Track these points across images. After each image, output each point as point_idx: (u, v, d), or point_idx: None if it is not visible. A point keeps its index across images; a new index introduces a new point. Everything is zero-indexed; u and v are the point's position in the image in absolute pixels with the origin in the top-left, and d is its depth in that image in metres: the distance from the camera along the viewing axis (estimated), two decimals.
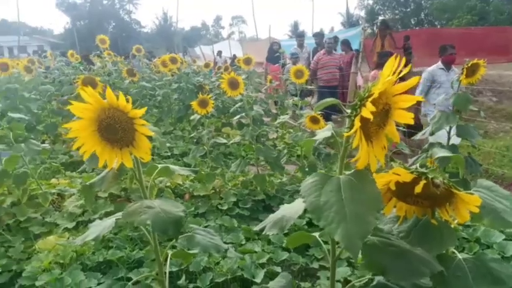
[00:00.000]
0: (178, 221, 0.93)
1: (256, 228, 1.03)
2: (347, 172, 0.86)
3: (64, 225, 2.68)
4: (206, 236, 1.08)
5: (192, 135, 4.12)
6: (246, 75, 5.51)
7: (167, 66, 5.54)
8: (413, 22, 41.73)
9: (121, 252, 2.35)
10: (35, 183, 3.07)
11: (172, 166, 1.10)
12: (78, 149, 3.18)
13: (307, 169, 3.31)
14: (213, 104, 3.19)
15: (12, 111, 4.36)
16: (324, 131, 0.87)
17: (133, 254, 2.35)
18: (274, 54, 7.21)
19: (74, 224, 2.70)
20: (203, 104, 3.17)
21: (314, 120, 3.09)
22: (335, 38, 8.14)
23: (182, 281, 2.05)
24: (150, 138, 0.96)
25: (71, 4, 56.37)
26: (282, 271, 2.23)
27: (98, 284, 2.04)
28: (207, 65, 8.07)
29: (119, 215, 1.11)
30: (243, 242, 2.53)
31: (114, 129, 0.94)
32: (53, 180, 3.47)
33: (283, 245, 2.50)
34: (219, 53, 16.52)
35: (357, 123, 0.73)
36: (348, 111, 0.79)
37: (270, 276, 2.20)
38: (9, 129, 2.86)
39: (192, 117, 3.40)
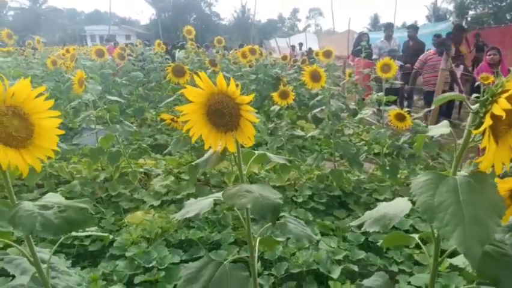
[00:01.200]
0: (276, 208, 0.94)
1: (353, 223, 1.01)
2: (462, 173, 0.81)
3: (150, 203, 2.87)
4: (298, 225, 1.09)
5: (269, 126, 4.16)
6: (324, 69, 5.41)
7: (246, 57, 5.64)
8: (508, 17, 37.71)
9: (201, 233, 2.46)
10: (126, 161, 3.32)
11: (268, 153, 1.11)
12: (162, 132, 3.36)
13: (388, 168, 3.17)
14: (294, 95, 3.19)
15: (105, 95, 4.76)
16: (441, 127, 0.82)
17: (212, 235, 2.45)
18: (362, 47, 6.87)
19: (159, 202, 2.89)
20: (284, 95, 3.18)
21: (400, 117, 2.95)
22: (448, 35, 7.55)
23: (258, 267, 2.09)
24: (254, 125, 0.99)
25: None
26: (359, 270, 2.18)
27: (181, 261, 2.16)
28: (284, 58, 8.07)
29: (216, 196, 1.16)
30: (318, 237, 2.51)
31: (221, 114, 0.97)
32: (141, 160, 3.74)
33: (360, 244, 2.44)
34: (300, 45, 16.44)
35: (488, 121, 0.68)
36: (474, 107, 0.73)
37: (347, 274, 2.16)
38: (107, 111, 3.12)
39: (271, 108, 3.43)
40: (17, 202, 0.79)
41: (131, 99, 6.02)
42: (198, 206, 1.11)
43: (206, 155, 1.07)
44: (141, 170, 3.44)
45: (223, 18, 69.90)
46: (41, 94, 0.83)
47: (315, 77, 3.08)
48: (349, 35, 12.57)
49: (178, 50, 8.98)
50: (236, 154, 1.06)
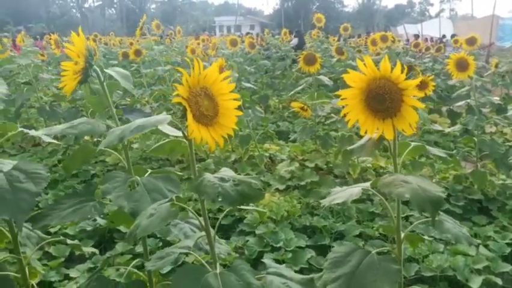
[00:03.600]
0: (438, 201, 0.88)
1: None
2: None
3: (275, 186, 2.97)
4: (455, 225, 1.00)
5: None
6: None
7: (376, 45, 5.37)
8: None
9: (324, 221, 2.46)
10: (254, 145, 3.49)
11: (427, 146, 1.04)
12: (284, 120, 3.42)
13: None
14: (434, 86, 2.92)
15: (236, 82, 5.07)
16: None
17: (336, 225, 2.43)
18: None
19: (284, 186, 2.97)
20: (422, 85, 2.95)
21: None
22: None
23: None
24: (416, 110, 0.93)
25: None
26: (503, 284, 1.93)
27: (306, 245, 2.20)
28: (416, 45, 7.48)
29: (363, 185, 1.13)
30: (453, 242, 2.30)
31: (382, 99, 0.94)
32: (266, 145, 3.89)
33: (504, 255, 2.16)
34: (416, 36, 15.13)
35: None
36: None
37: (488, 286, 1.94)
38: (242, 95, 3.32)
39: None
40: (198, 173, 0.88)
41: (257, 86, 6.28)
42: (345, 193, 1.10)
43: (361, 141, 1.05)
44: (266, 154, 3.59)
45: (346, 5, 67.83)
46: (226, 78, 0.91)
47: (462, 65, 2.78)
48: (493, 20, 11.03)
49: (294, 36, 9.04)
50: (392, 142, 1.02)
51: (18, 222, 1.15)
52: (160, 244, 2.23)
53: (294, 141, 3.87)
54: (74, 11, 65.51)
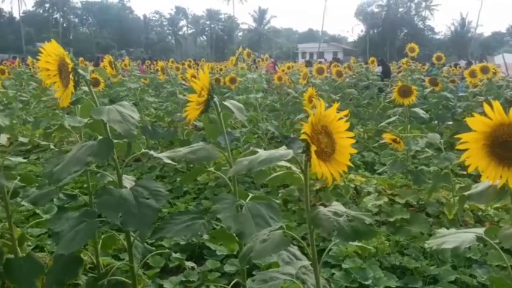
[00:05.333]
0: None
1: None
2: None
3: None
4: None
5: None
6: None
7: (475, 76, 5.04)
8: None
9: (416, 263, 2.33)
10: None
11: None
12: (369, 150, 3.33)
13: None
14: None
15: None
16: None
17: (430, 268, 2.28)
18: None
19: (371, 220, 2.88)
20: None
21: None
22: None
23: None
24: None
25: (368, 13, 60.15)
26: None
27: (396, 287, 2.10)
28: None
29: (475, 231, 1.08)
30: None
31: (509, 147, 0.90)
32: (351, 176, 3.82)
33: None
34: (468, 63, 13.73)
35: None
36: None
37: None
38: None
39: None
40: (312, 206, 0.93)
41: None
42: (456, 238, 1.06)
43: (479, 187, 1.01)
44: (352, 185, 3.51)
45: (437, 32, 64.68)
46: (342, 117, 0.96)
47: None
48: None
49: (378, 65, 8.79)
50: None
51: (142, 234, 1.29)
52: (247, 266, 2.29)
53: (381, 173, 3.75)
54: (169, 37, 71.58)
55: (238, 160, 0.95)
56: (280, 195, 3.38)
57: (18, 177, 1.98)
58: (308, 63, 13.26)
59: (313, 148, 0.85)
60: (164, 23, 71.75)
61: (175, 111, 4.70)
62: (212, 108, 1.32)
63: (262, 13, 70.42)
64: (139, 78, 5.14)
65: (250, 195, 1.44)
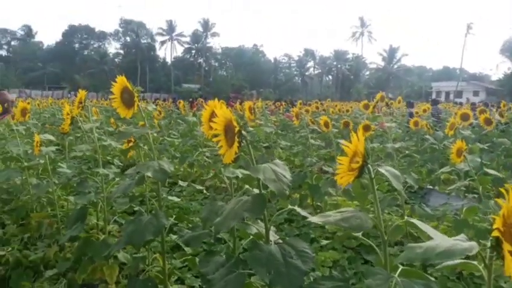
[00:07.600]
0: None
1: None
2: None
3: None
4: None
5: None
6: None
7: None
8: None
9: None
10: None
11: None
12: None
13: None
14: None
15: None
16: None
17: None
18: None
19: None
20: None
21: None
22: None
23: None
24: None
25: None
26: None
27: None
28: None
29: None
30: None
31: None
32: None
33: None
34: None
35: None
36: None
37: None
38: (479, 182, 2.96)
39: None
40: None
41: (489, 167, 5.49)
42: None
43: None
44: None
45: None
46: None
47: None
48: None
49: None
50: None
51: None
52: None
53: None
54: (296, 78, 74.54)
55: (410, 246, 0.88)
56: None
57: (174, 216, 2.23)
58: (434, 102, 12.12)
59: (506, 247, 0.74)
60: (293, 65, 75.21)
61: (303, 154, 4.77)
62: (365, 173, 1.29)
63: (392, 51, 68.41)
64: (272, 122, 5.40)
65: (401, 267, 1.33)
